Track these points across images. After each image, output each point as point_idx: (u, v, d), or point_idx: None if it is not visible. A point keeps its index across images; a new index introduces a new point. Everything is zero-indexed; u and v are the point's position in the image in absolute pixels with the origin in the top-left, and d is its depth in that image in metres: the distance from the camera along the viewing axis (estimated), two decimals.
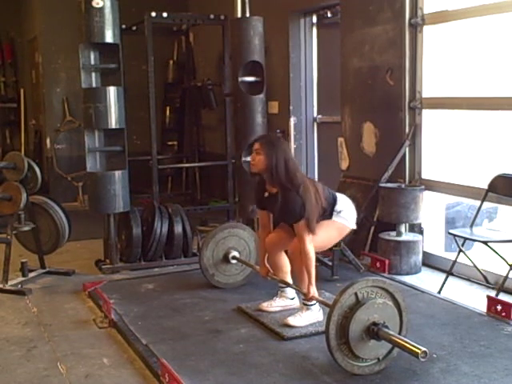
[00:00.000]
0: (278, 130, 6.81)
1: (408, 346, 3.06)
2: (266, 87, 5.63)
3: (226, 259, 4.68)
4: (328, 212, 3.89)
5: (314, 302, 3.87)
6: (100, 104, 5.08)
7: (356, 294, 3.19)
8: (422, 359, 2.99)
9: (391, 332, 3.16)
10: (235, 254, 4.68)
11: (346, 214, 3.96)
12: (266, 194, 3.92)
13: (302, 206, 3.68)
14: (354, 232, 5.10)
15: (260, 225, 4.18)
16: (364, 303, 3.17)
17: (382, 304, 3.21)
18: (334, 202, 3.92)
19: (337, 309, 3.15)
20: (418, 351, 2.98)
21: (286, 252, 4.08)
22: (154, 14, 5.92)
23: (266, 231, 4.11)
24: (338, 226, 3.96)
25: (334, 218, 3.92)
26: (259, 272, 4.26)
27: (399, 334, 3.25)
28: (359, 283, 3.21)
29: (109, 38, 5.08)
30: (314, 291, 3.76)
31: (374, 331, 3.16)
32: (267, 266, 4.16)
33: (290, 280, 4.12)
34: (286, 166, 3.74)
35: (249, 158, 5.39)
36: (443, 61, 5.16)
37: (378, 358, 3.24)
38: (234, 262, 4.69)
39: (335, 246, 4.87)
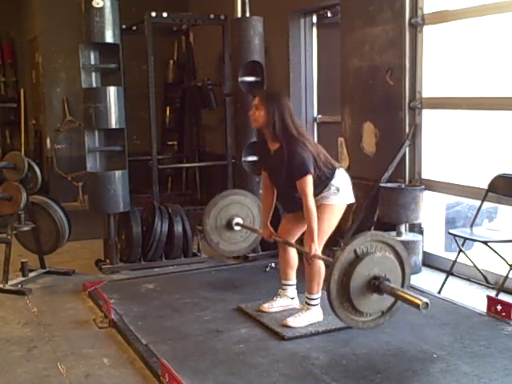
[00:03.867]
0: None
1: (409, 297, 3.03)
2: (266, 87, 5.62)
3: (229, 226, 4.61)
4: (327, 181, 3.76)
5: (316, 301, 3.88)
6: (100, 104, 5.08)
7: (355, 250, 3.14)
8: (424, 310, 2.97)
9: (392, 285, 3.12)
10: (239, 220, 4.62)
11: (344, 191, 3.83)
12: (269, 153, 3.84)
13: (306, 159, 3.63)
14: (354, 232, 5.14)
15: (263, 186, 4.11)
16: (363, 258, 3.12)
17: (381, 257, 3.16)
18: (333, 171, 3.80)
19: (336, 267, 3.10)
20: (419, 302, 2.96)
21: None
22: (154, 14, 5.92)
23: (270, 192, 4.03)
24: (337, 207, 3.83)
25: (332, 199, 3.78)
26: (262, 234, 4.22)
27: (402, 284, 3.21)
28: (358, 239, 3.17)
29: (109, 38, 5.08)
30: (315, 249, 3.66)
31: (375, 285, 3.13)
32: (270, 227, 4.10)
33: (293, 277, 4.13)
34: (291, 119, 3.70)
35: (249, 158, 5.46)
36: (443, 61, 5.16)
37: (382, 311, 3.21)
38: (237, 228, 4.62)
39: (335, 245, 4.90)
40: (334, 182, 3.79)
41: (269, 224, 4.11)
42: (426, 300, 2.95)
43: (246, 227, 4.63)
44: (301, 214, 3.76)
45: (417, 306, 2.96)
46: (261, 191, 4.51)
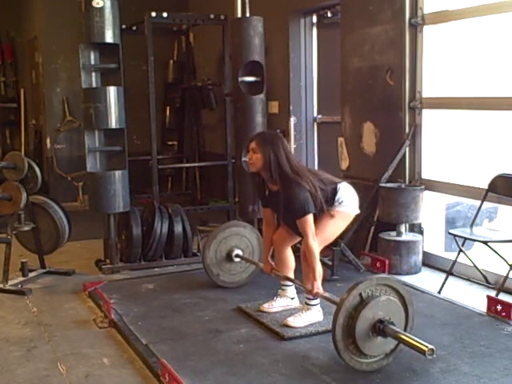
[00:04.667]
0: (278, 130, 6.81)
1: (415, 343, 3.06)
2: (266, 87, 5.62)
3: (229, 258, 4.66)
4: (330, 201, 3.84)
5: (316, 301, 3.87)
6: (100, 104, 5.08)
7: (360, 294, 3.18)
8: (429, 357, 2.99)
9: (397, 329, 3.16)
10: (238, 252, 4.66)
11: (348, 202, 3.89)
12: (268, 193, 3.90)
13: (305, 200, 3.66)
14: (354, 232, 5.14)
15: (264, 222, 4.14)
16: (368, 302, 3.16)
17: (385, 300, 3.20)
18: (335, 190, 3.86)
19: (342, 312, 3.15)
20: (425, 349, 2.98)
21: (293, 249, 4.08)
22: (154, 14, 5.91)
23: (271, 228, 4.09)
24: (342, 215, 3.89)
25: (337, 208, 3.85)
26: (263, 269, 4.26)
27: (405, 326, 3.26)
28: (364, 283, 3.20)
29: (109, 38, 5.08)
30: (318, 287, 3.72)
31: (380, 329, 3.16)
32: (271, 262, 4.15)
33: (292, 278, 4.13)
34: (288, 160, 3.72)
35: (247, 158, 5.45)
36: (443, 61, 5.16)
37: (386, 353, 3.24)
38: (237, 260, 4.66)
39: (335, 245, 4.90)
40: (338, 196, 3.85)
41: (269, 259, 4.15)
42: (431, 346, 2.98)
43: (246, 259, 4.67)
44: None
45: (423, 352, 2.99)
46: None
